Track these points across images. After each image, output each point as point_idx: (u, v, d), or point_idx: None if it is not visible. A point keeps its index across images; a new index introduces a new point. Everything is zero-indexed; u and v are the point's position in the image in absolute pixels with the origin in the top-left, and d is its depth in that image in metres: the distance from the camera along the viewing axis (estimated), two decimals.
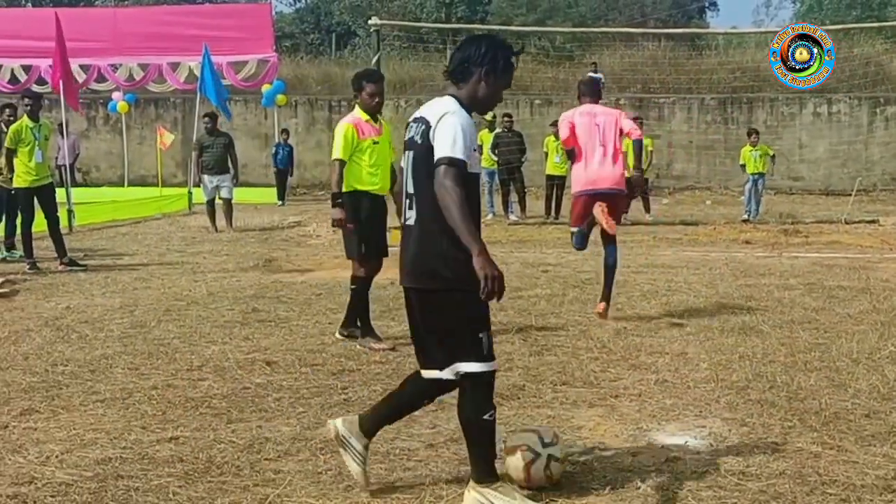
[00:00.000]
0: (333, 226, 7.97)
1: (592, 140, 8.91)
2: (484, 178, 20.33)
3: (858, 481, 4.70)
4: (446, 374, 4.42)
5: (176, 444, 5.35)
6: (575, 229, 9.12)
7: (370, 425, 4.70)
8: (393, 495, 4.59)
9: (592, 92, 9.54)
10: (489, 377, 4.40)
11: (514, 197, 19.66)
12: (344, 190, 7.85)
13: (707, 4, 55.45)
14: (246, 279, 11.51)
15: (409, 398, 4.73)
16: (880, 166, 27.42)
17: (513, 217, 19.34)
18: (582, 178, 8.95)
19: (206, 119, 18.04)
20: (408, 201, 4.48)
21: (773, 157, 20.88)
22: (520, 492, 4.43)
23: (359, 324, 7.97)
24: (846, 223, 18.41)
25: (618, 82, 29.22)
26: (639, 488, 4.62)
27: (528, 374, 6.87)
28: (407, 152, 4.52)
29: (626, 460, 5.02)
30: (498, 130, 19.63)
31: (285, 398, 6.30)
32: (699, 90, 28.77)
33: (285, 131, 25.95)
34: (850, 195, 21.81)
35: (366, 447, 4.65)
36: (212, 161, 17.48)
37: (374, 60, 15.39)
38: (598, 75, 27.76)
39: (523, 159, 19.65)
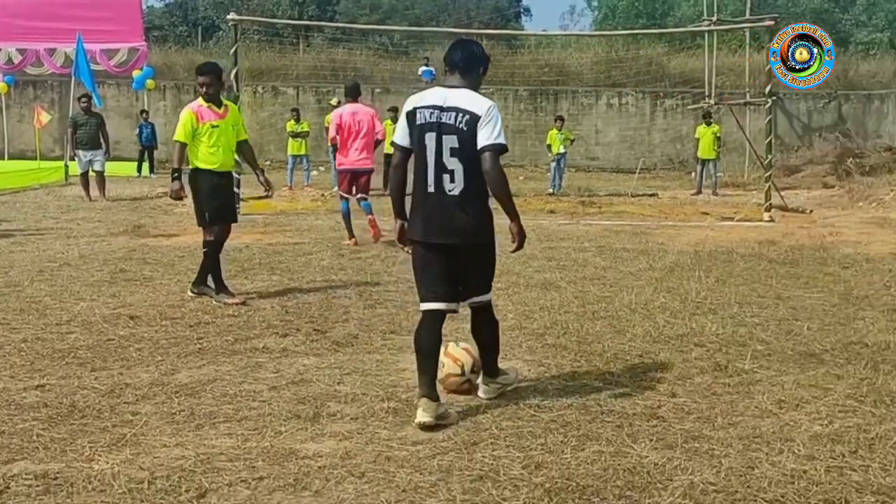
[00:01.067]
0: (170, 197, 7.83)
1: (353, 132, 10.80)
2: None
3: (631, 410, 4.86)
4: (485, 298, 4.88)
5: (42, 391, 5.08)
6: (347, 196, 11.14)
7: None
8: (238, 431, 4.47)
9: (354, 94, 11.28)
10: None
11: None
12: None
13: (522, 10, 56.28)
14: (116, 243, 11.03)
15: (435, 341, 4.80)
16: (660, 149, 28.43)
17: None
18: (346, 160, 10.96)
19: (84, 99, 17.42)
20: (447, 175, 4.65)
21: (573, 140, 21.38)
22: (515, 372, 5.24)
23: (210, 283, 7.77)
24: (632, 196, 19.01)
25: (446, 75, 29.25)
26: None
27: (361, 325, 6.83)
28: (430, 134, 4.65)
29: (441, 397, 5.03)
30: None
31: (146, 348, 6.07)
32: (514, 83, 29.12)
33: (144, 112, 24.98)
34: (635, 173, 22.56)
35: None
36: (86, 137, 16.85)
37: (232, 51, 14.88)
38: (431, 68, 27.80)
39: None
